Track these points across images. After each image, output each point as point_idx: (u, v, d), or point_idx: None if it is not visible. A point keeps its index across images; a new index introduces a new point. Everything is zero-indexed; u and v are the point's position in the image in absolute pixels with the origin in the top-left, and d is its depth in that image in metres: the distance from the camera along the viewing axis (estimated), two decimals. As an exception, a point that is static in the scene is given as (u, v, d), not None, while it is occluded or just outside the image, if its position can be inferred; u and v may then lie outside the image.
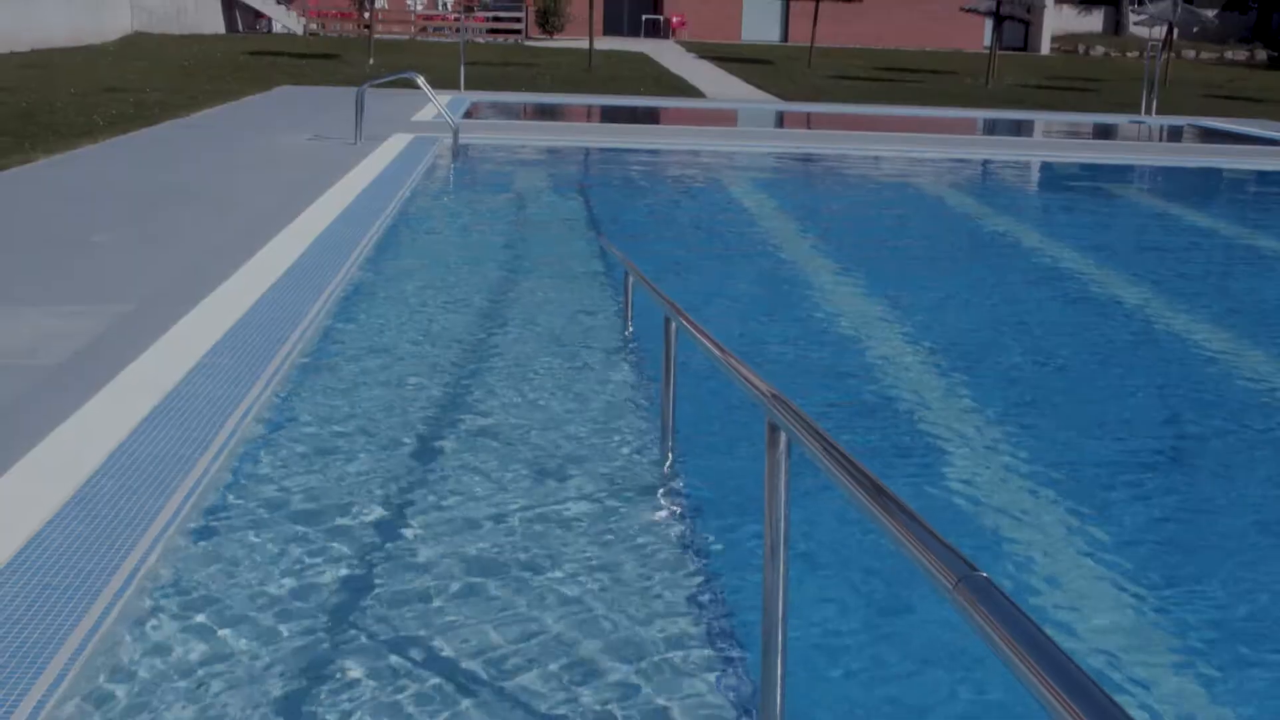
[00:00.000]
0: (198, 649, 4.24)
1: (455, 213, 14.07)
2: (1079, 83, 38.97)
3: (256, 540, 5.08)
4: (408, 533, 5.24)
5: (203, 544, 5.01)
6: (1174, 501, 6.35)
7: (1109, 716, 1.66)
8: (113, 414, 6.22)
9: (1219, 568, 5.47)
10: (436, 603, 4.62)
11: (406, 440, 6.34)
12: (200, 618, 4.44)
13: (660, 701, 3.98)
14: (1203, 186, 19.76)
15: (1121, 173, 20.24)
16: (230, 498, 5.49)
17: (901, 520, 2.43)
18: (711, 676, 4.16)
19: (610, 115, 26.12)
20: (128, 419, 6.15)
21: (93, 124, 18.69)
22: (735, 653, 4.33)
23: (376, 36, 42.34)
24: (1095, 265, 12.52)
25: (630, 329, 8.60)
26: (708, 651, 4.32)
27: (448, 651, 4.27)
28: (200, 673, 4.09)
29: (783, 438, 3.36)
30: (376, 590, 4.71)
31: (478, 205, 14.61)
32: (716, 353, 4.55)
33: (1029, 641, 1.89)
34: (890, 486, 2.59)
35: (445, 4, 58.03)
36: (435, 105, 19.19)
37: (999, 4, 38.43)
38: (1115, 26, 65.72)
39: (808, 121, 26.97)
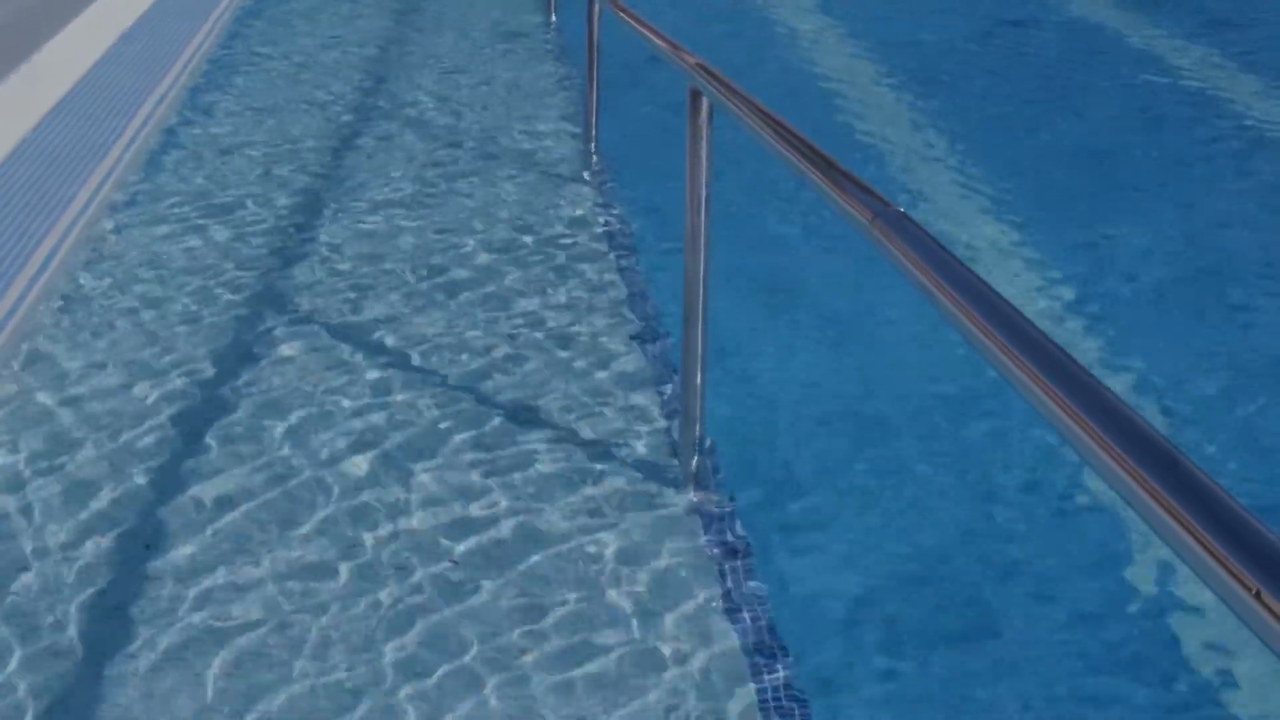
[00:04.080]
0: (114, 331, 4.21)
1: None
2: None
3: (172, 224, 5.00)
4: (324, 213, 5.18)
5: (118, 230, 4.93)
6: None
7: (1023, 332, 1.67)
8: (20, 104, 6.05)
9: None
10: (349, 293, 4.60)
11: (324, 127, 6.23)
12: (116, 299, 4.40)
13: (594, 378, 4.01)
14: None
15: None
16: (145, 183, 5.38)
17: (820, 166, 2.43)
18: (635, 351, 4.19)
19: None
20: (36, 108, 5.99)
21: None
22: (659, 327, 4.37)
23: None
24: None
25: (554, 20, 8.41)
26: (630, 326, 4.35)
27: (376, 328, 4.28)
28: (115, 354, 4.07)
29: (705, 104, 3.31)
30: (299, 256, 4.68)
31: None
32: (640, 28, 4.45)
33: (944, 269, 1.89)
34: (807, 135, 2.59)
35: None
36: None
37: None
38: None
39: None
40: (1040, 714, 2.89)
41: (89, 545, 3.12)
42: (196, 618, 2.88)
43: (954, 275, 1.87)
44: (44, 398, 3.77)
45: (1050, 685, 2.95)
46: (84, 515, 3.24)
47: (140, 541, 3.14)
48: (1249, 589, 1.10)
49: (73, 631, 2.83)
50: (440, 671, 2.75)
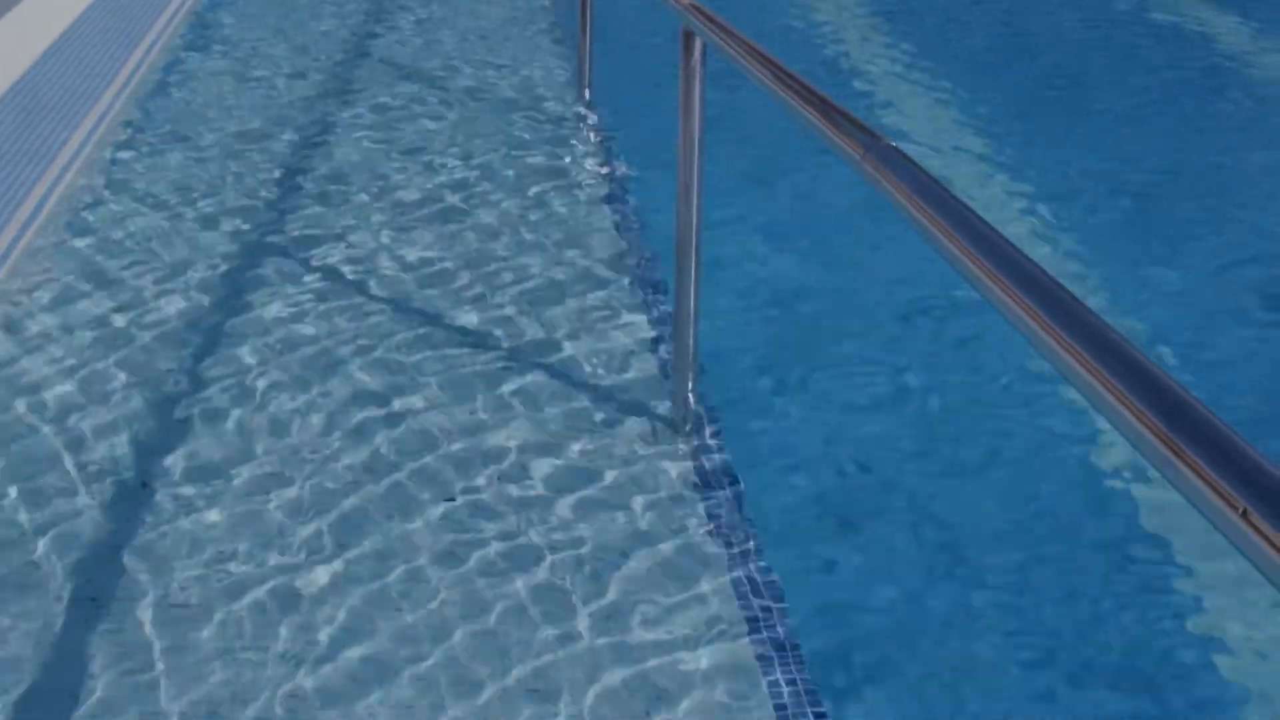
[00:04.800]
0: (105, 281, 4.20)
1: None
2: None
3: (167, 171, 4.98)
4: (316, 159, 5.16)
5: (110, 178, 4.91)
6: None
7: (1015, 263, 1.67)
8: (9, 50, 6.01)
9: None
10: (339, 217, 4.59)
11: (320, 68, 6.20)
12: (103, 258, 4.37)
13: (588, 320, 4.01)
14: None
15: None
16: (139, 127, 5.36)
17: (812, 102, 2.42)
18: (627, 291, 4.19)
19: None
20: (26, 55, 5.95)
21: None
22: (651, 263, 4.37)
23: None
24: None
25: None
26: (626, 276, 4.34)
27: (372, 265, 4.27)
28: (108, 292, 4.07)
29: (698, 44, 3.31)
30: (293, 184, 4.67)
31: None
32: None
33: (935, 202, 1.89)
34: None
35: None
36: None
37: None
38: None
39: None
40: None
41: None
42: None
43: (946, 207, 1.86)
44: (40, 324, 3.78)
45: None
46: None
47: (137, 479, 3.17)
48: (1235, 508, 1.10)
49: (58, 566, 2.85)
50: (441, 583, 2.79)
